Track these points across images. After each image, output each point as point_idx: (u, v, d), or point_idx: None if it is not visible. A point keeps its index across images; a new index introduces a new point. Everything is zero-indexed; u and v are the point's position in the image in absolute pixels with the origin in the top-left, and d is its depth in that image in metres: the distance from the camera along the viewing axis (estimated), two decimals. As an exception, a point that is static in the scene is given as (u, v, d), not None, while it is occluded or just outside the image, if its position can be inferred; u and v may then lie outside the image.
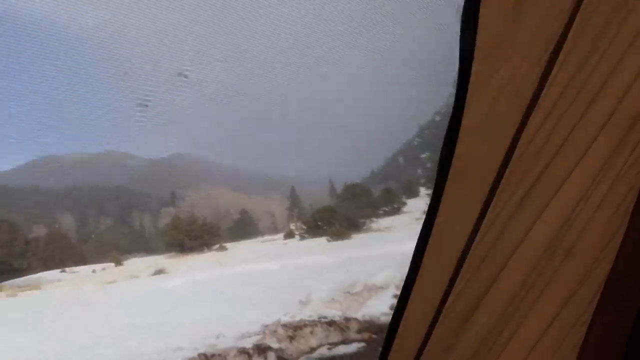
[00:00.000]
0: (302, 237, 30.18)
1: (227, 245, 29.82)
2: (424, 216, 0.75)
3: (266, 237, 34.35)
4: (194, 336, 10.06)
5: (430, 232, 0.72)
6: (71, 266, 27.28)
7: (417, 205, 28.73)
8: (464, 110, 0.65)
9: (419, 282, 0.76)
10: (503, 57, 0.62)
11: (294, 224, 34.50)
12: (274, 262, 18.41)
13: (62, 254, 28.43)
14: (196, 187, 39.74)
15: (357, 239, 25.27)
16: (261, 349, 9.67)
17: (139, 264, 26.44)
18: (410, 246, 0.74)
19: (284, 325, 10.47)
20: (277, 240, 31.93)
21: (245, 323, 10.69)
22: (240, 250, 27.55)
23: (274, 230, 36.32)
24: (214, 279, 17.13)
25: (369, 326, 10.23)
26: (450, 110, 0.67)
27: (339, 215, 29.62)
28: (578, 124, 0.64)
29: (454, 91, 0.67)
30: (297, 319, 10.80)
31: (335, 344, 10.08)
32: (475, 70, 0.63)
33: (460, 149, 0.67)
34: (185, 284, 16.90)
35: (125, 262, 28.22)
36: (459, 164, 0.68)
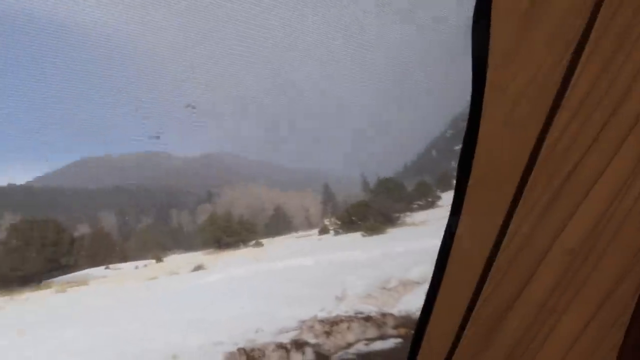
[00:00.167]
0: (336, 233, 30.16)
1: (263, 241, 30.13)
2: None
3: (301, 233, 34.49)
4: (233, 331, 10.22)
5: (452, 239, 0.73)
6: (115, 263, 28.18)
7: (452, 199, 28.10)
8: (480, 116, 0.66)
9: (444, 290, 0.77)
10: (520, 61, 0.62)
11: (328, 219, 34.50)
12: (309, 258, 18.46)
13: (105, 251, 29.43)
14: (231, 184, 40.28)
15: (391, 233, 25.06)
16: (299, 344, 9.76)
17: (178, 261, 26.95)
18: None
19: (321, 321, 10.51)
20: (311, 236, 32.01)
21: (282, 318, 10.79)
22: (275, 246, 27.73)
23: (309, 225, 36.44)
24: (250, 274, 17.33)
25: (405, 322, 10.16)
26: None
27: (373, 210, 29.43)
28: (607, 124, 0.63)
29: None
30: (334, 314, 10.82)
31: (372, 340, 10.05)
32: (491, 77, 0.64)
33: (479, 154, 0.67)
34: (222, 280, 17.15)
35: (165, 259, 28.84)
36: (479, 170, 0.68)
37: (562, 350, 0.74)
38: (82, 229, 30.40)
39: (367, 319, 10.51)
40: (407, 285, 11.91)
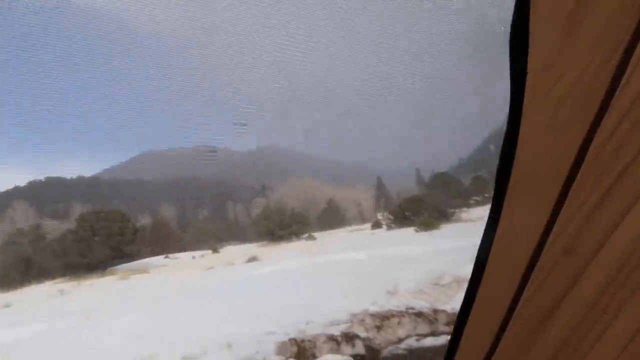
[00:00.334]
0: (389, 227, 29.99)
1: (315, 234, 30.44)
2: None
3: (354, 227, 34.53)
4: (284, 322, 10.43)
5: (492, 242, 0.73)
6: (174, 252, 29.47)
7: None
8: (520, 121, 0.66)
9: (483, 289, 0.77)
10: (565, 62, 0.62)
11: (381, 213, 34.34)
12: (362, 252, 18.49)
13: (165, 241, 30.84)
14: (285, 178, 40.91)
15: (446, 229, 24.63)
16: (349, 337, 9.83)
17: (234, 252, 27.76)
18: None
19: (372, 315, 10.53)
20: (364, 230, 32.01)
21: (334, 311, 10.89)
22: (328, 240, 27.95)
23: (361, 220, 36.41)
24: (303, 267, 17.58)
25: (458, 319, 9.98)
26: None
27: (428, 205, 29.01)
28: None
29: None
30: (385, 309, 10.81)
31: (424, 336, 9.96)
32: (532, 80, 0.64)
33: (520, 155, 0.67)
34: (275, 272, 17.51)
35: (221, 250, 29.86)
36: (520, 171, 0.68)
37: (614, 351, 0.73)
38: (144, 220, 31.96)
39: (419, 314, 10.42)
40: (460, 282, 11.68)
